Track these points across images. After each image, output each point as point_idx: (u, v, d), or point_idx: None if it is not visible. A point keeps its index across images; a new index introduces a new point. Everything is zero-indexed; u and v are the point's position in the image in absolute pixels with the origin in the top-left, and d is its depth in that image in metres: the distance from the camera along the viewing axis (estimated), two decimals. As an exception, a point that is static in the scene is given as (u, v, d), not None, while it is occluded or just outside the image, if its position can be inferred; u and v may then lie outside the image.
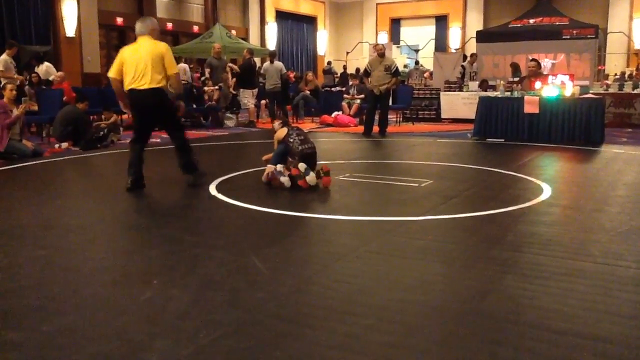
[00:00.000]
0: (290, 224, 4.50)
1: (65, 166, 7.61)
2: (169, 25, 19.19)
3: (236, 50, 16.55)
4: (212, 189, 5.60)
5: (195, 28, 20.04)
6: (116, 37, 17.30)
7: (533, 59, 11.16)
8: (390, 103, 11.86)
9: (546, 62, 15.03)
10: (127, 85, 5.65)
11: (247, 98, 13.08)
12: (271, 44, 22.61)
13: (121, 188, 5.67)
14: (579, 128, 9.23)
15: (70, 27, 15.16)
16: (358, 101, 13.51)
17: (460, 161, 7.64)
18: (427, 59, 21.03)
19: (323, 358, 2.32)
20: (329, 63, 21.90)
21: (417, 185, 5.84)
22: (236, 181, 6.11)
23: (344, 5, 27.40)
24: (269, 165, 5.72)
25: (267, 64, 13.41)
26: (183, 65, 15.93)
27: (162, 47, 5.76)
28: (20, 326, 2.60)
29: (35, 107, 10.28)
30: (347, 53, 23.62)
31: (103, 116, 10.35)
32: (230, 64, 13.93)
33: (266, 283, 3.10)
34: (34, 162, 7.61)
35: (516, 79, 11.25)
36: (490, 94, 10.89)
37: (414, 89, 14.36)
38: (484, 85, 13.63)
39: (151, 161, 6.44)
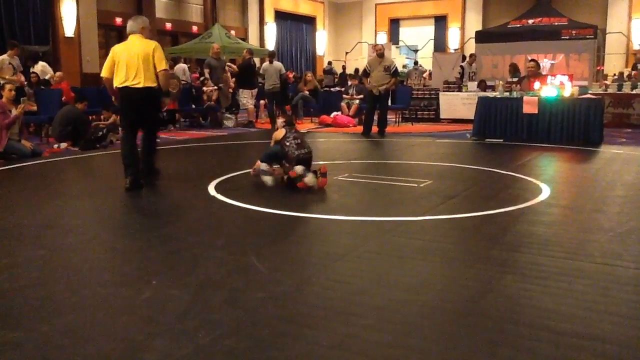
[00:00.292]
0: (289, 224, 4.50)
1: (64, 166, 7.61)
2: (168, 25, 19.19)
3: (235, 50, 16.55)
4: (212, 189, 5.60)
5: (195, 28, 20.04)
6: (115, 37, 17.24)
7: (532, 60, 11.17)
8: (390, 103, 11.86)
9: (545, 63, 15.06)
10: (118, 83, 5.75)
11: (247, 98, 13.08)
12: (270, 44, 22.61)
13: (120, 188, 5.67)
14: (578, 128, 9.24)
15: (69, 27, 15.15)
16: (357, 101, 13.51)
17: (459, 161, 7.65)
18: (426, 59, 21.05)
19: (322, 358, 2.32)
20: (330, 63, 21.90)
21: (416, 185, 5.85)
22: (235, 181, 6.11)
23: (343, 6, 27.40)
24: (258, 161, 5.82)
25: (266, 64, 13.41)
26: (182, 65, 15.93)
27: (152, 45, 5.84)
28: (20, 326, 2.60)
29: (34, 107, 10.27)
30: (346, 53, 23.63)
31: (102, 116, 10.35)
32: (229, 64, 13.92)
33: (265, 283, 3.10)
34: (33, 162, 7.60)
35: (515, 80, 11.26)
36: (490, 94, 10.90)
37: (413, 89, 14.36)
38: (482, 85, 13.64)
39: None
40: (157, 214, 5.02)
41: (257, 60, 16.13)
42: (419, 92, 14.36)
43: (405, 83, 16.74)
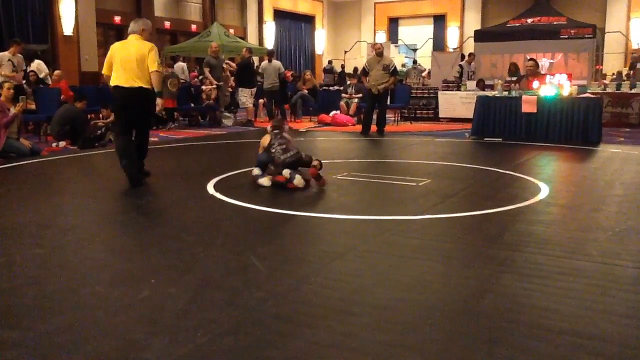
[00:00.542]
0: (288, 222, 4.50)
1: (63, 165, 7.60)
2: (167, 24, 19.17)
3: (234, 49, 16.53)
4: (210, 188, 5.60)
5: (193, 27, 20.02)
6: (114, 36, 17.22)
7: (531, 59, 11.17)
8: (389, 102, 11.86)
9: (544, 62, 15.07)
10: (114, 81, 5.88)
11: (246, 97, 13.07)
12: (269, 43, 22.58)
13: (119, 187, 5.67)
14: (577, 127, 9.25)
15: (67, 25, 15.13)
16: (356, 100, 13.52)
17: (458, 160, 7.65)
18: (425, 58, 21.03)
19: (321, 357, 2.32)
20: (330, 62, 21.89)
21: (415, 184, 5.85)
22: (234, 180, 6.10)
23: (342, 5, 27.39)
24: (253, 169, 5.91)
25: (265, 63, 13.40)
26: (181, 64, 15.92)
27: (148, 46, 5.94)
28: (18, 325, 2.59)
29: (33, 106, 10.26)
30: (345, 52, 23.62)
31: (101, 115, 10.33)
32: (228, 62, 13.91)
33: (264, 282, 3.10)
34: (32, 161, 7.60)
35: (514, 79, 11.26)
36: (488, 93, 10.90)
37: (412, 88, 14.37)
38: (480, 84, 13.64)
39: (149, 160, 6.43)
40: (156, 212, 5.02)
41: (256, 59, 16.11)
42: (418, 91, 14.37)
43: (404, 82, 16.75)
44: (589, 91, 10.92)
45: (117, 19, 16.92)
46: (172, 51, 17.28)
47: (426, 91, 14.28)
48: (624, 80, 13.94)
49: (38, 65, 12.34)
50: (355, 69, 18.46)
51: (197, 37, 17.54)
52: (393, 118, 13.26)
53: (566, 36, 15.07)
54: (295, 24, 25.37)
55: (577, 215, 4.75)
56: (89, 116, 10.53)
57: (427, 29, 25.55)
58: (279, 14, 24.05)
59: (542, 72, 12.16)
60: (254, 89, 13.22)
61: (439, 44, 24.50)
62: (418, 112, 13.95)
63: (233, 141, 10.03)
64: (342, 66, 22.17)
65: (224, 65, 13.21)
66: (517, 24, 15.86)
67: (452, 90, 13.68)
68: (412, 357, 2.31)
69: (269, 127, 6.12)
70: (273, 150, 5.65)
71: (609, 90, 12.41)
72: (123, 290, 3.02)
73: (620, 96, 12.15)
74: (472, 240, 4.01)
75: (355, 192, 5.74)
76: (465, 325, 2.58)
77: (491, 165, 6.96)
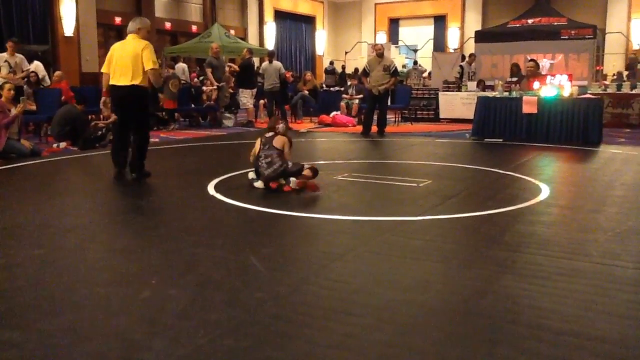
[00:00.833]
0: (288, 223, 4.50)
1: (63, 166, 7.60)
2: (168, 24, 19.17)
3: (234, 50, 16.53)
4: (211, 189, 5.60)
5: (194, 28, 20.02)
6: (114, 37, 17.21)
7: (531, 59, 11.17)
8: (389, 103, 11.86)
9: (544, 62, 15.05)
10: (111, 81, 6.12)
11: (246, 98, 13.08)
12: (270, 43, 22.59)
13: (119, 187, 5.67)
14: (577, 128, 9.24)
15: (68, 26, 15.13)
16: (357, 101, 13.52)
17: (459, 161, 7.65)
18: (425, 59, 21.02)
19: (321, 357, 2.32)
20: (332, 63, 21.91)
21: (415, 185, 5.85)
22: (234, 181, 6.10)
23: (342, 5, 27.39)
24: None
25: (265, 63, 13.40)
26: (182, 64, 15.92)
27: (142, 44, 6.05)
28: (18, 325, 2.59)
29: (34, 107, 10.25)
30: (346, 53, 23.62)
31: (101, 115, 10.33)
32: (230, 64, 13.91)
33: (264, 283, 3.10)
34: (32, 162, 7.60)
35: (515, 79, 11.26)
36: (489, 94, 10.90)
37: (413, 89, 14.36)
38: (480, 85, 13.64)
39: (149, 161, 6.44)
40: (156, 213, 5.02)
41: (256, 60, 16.12)
42: (419, 91, 14.36)
43: (404, 83, 16.74)
44: (589, 92, 10.92)
45: (118, 19, 16.92)
46: (172, 52, 17.29)
47: (427, 92, 14.27)
48: (625, 81, 13.94)
49: (36, 66, 12.30)
50: (356, 70, 18.46)
51: (197, 38, 17.54)
52: (393, 119, 13.26)
53: (567, 37, 15.05)
54: (295, 25, 25.37)
55: (578, 216, 4.74)
56: (89, 117, 10.52)
57: (427, 30, 25.55)
58: (280, 15, 24.05)
59: (543, 73, 12.15)
60: (254, 90, 13.22)
61: (439, 44, 24.50)
62: (418, 112, 13.95)
63: (233, 142, 10.03)
64: (343, 67, 22.16)
65: (227, 72, 13.23)
66: (517, 25, 15.84)
67: (453, 91, 13.67)
68: (413, 358, 2.31)
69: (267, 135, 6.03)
70: (259, 164, 5.55)
71: (609, 90, 12.41)
72: (123, 291, 3.02)
73: (620, 97, 12.14)
74: (473, 241, 4.01)
75: (355, 192, 5.74)
76: (466, 325, 2.58)
77: (492, 166, 6.96)
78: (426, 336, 2.49)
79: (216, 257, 3.57)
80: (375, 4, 26.47)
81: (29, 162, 7.53)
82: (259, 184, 5.61)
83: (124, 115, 6.19)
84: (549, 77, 9.99)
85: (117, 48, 6.17)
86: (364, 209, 5.02)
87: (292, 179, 5.42)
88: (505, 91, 10.24)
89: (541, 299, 2.86)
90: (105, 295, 2.98)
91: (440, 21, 25.44)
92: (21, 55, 10.71)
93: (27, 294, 2.98)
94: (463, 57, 16.52)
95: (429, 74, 18.44)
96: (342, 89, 15.21)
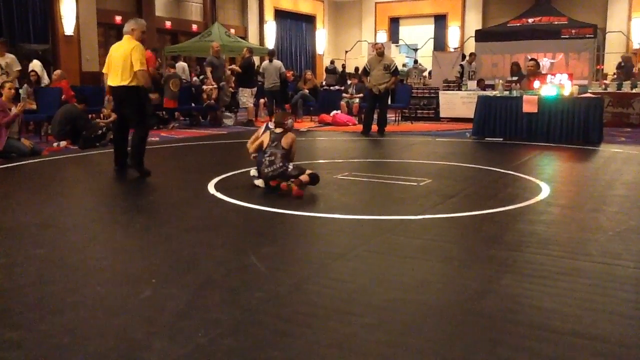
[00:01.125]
0: (289, 222, 4.50)
1: (64, 165, 7.60)
2: (168, 24, 19.15)
3: (235, 49, 16.53)
4: (211, 188, 5.59)
5: (194, 27, 20.01)
6: (115, 36, 17.17)
7: (532, 59, 11.16)
8: (389, 102, 11.86)
9: (545, 62, 15.05)
10: (107, 81, 6.48)
11: (246, 97, 13.07)
12: (270, 42, 22.57)
13: (120, 187, 5.67)
14: (578, 127, 9.24)
15: (68, 25, 15.11)
16: (357, 100, 13.51)
17: (459, 160, 7.65)
18: (426, 58, 21.01)
19: (322, 357, 2.32)
20: (332, 62, 21.89)
21: (415, 184, 5.84)
22: (235, 180, 6.10)
23: (343, 4, 27.37)
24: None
25: (266, 62, 13.40)
26: (182, 64, 15.90)
27: (132, 46, 6.26)
28: (19, 325, 2.59)
29: (34, 106, 10.24)
30: (346, 52, 23.61)
31: (102, 115, 10.32)
32: (232, 66, 13.90)
33: (265, 282, 3.10)
34: (32, 161, 7.60)
35: (515, 79, 11.26)
36: (489, 93, 10.89)
37: (413, 88, 14.35)
38: (480, 84, 13.63)
39: (149, 160, 6.44)
40: (157, 212, 5.02)
41: (256, 59, 16.11)
42: (419, 91, 14.35)
43: (405, 82, 16.73)
44: (590, 91, 10.92)
45: (118, 18, 16.89)
46: (172, 51, 17.28)
47: (427, 91, 14.27)
48: (625, 80, 13.93)
49: (34, 66, 12.28)
50: (356, 69, 18.44)
51: (197, 37, 17.54)
52: (394, 118, 13.26)
53: (567, 36, 15.04)
54: (296, 24, 25.35)
55: (578, 215, 4.74)
56: (89, 116, 10.51)
57: (428, 29, 25.52)
58: (280, 14, 24.03)
59: (543, 72, 12.14)
60: (254, 89, 13.22)
61: (439, 43, 24.48)
62: (419, 112, 13.94)
63: (234, 141, 10.03)
64: (343, 66, 22.15)
65: (227, 70, 13.22)
66: (518, 24, 15.83)
67: (453, 90, 13.66)
68: (413, 358, 2.31)
69: (271, 124, 5.98)
70: (263, 160, 5.50)
71: (610, 90, 12.40)
72: (123, 290, 3.02)
73: (621, 96, 12.14)
74: (473, 240, 4.01)
75: (356, 192, 5.74)
76: (466, 325, 2.58)
77: (492, 165, 6.96)
78: (426, 336, 2.49)
79: (216, 257, 3.57)
80: (376, 3, 26.45)
81: (29, 161, 7.54)
82: (259, 182, 5.60)
83: (118, 114, 6.63)
84: (549, 77, 9.99)
85: (113, 49, 6.43)
86: (364, 208, 5.02)
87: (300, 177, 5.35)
88: (506, 90, 10.24)
89: (542, 298, 2.86)
90: (106, 294, 2.98)
91: (440, 20, 25.42)
92: (12, 55, 10.62)
93: (28, 293, 2.98)
94: (463, 57, 16.52)
95: (429, 73, 18.44)
96: (343, 88, 15.21)
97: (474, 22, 23.47)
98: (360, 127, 11.56)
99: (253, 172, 5.78)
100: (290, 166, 5.46)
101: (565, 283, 3.08)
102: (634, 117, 11.99)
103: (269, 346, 2.38)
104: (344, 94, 14.09)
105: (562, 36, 15.05)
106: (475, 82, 13.92)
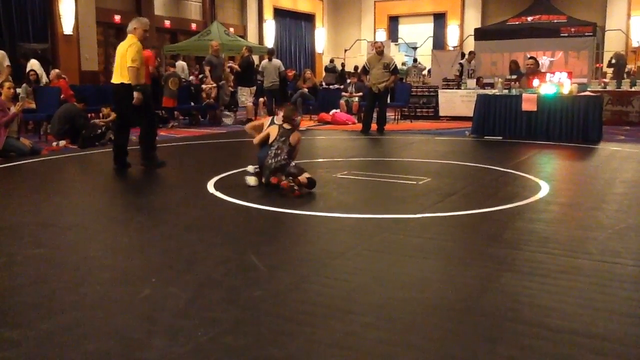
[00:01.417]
0: (288, 221, 4.50)
1: (63, 164, 7.60)
2: (167, 22, 19.15)
3: (234, 48, 16.53)
4: (211, 187, 5.59)
5: (193, 26, 20.01)
6: (114, 35, 17.24)
7: (531, 57, 11.15)
8: (389, 101, 11.87)
9: (544, 60, 15.05)
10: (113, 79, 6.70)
11: (245, 96, 13.07)
12: (269, 41, 22.57)
13: (119, 186, 5.67)
14: (577, 126, 9.24)
15: (67, 24, 15.11)
16: (356, 99, 13.51)
17: (458, 159, 7.64)
18: (425, 56, 21.02)
19: (321, 356, 2.32)
20: (332, 61, 21.90)
21: (415, 182, 5.85)
22: (234, 179, 6.10)
23: (342, 3, 27.37)
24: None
25: (265, 61, 13.39)
26: (181, 63, 15.90)
27: (129, 43, 6.46)
28: (19, 324, 2.59)
29: (33, 105, 10.24)
30: (346, 51, 23.60)
31: (101, 114, 10.32)
32: (231, 64, 13.90)
33: (264, 281, 3.10)
34: (32, 160, 7.60)
35: (514, 77, 11.26)
36: (489, 91, 10.89)
37: (412, 87, 14.36)
38: (479, 82, 13.63)
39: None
40: (156, 211, 5.02)
41: (256, 58, 16.10)
42: (418, 89, 14.36)
43: (404, 81, 16.73)
44: (589, 89, 10.91)
45: (117, 18, 16.90)
46: (171, 50, 17.27)
47: (426, 90, 14.27)
48: (624, 79, 13.93)
49: (32, 65, 12.27)
50: (356, 68, 18.45)
51: (197, 36, 17.54)
52: (393, 117, 13.26)
53: (566, 34, 15.04)
54: (295, 23, 25.35)
55: (577, 213, 4.74)
56: (89, 115, 10.51)
57: (427, 28, 25.53)
58: (279, 13, 24.03)
59: (543, 71, 12.14)
60: (254, 88, 13.21)
61: (439, 42, 24.49)
62: (418, 110, 13.94)
63: (233, 140, 10.03)
64: (343, 65, 22.15)
65: (227, 69, 13.21)
66: (517, 22, 15.83)
67: (452, 88, 13.67)
68: (413, 356, 2.31)
69: (276, 119, 5.85)
70: (269, 152, 5.48)
71: (609, 88, 12.40)
72: (123, 290, 3.02)
73: (620, 94, 12.14)
74: (472, 238, 4.01)
75: (355, 190, 5.74)
76: (465, 323, 2.58)
77: (491, 164, 6.96)
78: (426, 334, 2.49)
79: (216, 255, 3.57)
80: (375, 2, 26.46)
81: (29, 161, 7.53)
82: (252, 181, 5.54)
83: (118, 113, 6.84)
84: (548, 75, 9.98)
85: (117, 48, 6.65)
86: (363, 206, 5.02)
87: (303, 174, 5.34)
88: (505, 89, 10.24)
89: (541, 296, 2.87)
90: (106, 293, 2.98)
91: (439, 19, 25.44)
92: (2, 52, 10.57)
93: (27, 292, 2.98)
94: (463, 55, 16.53)
95: (429, 71, 18.44)
96: (342, 86, 15.20)
97: (473, 20, 23.48)
98: (359, 125, 11.56)
99: (250, 168, 5.72)
100: (293, 163, 5.48)
101: (564, 281, 3.09)
102: (634, 115, 11.99)
103: (268, 344, 2.38)
104: (344, 93, 14.08)
105: (562, 34, 15.05)
106: (475, 80, 13.93)
